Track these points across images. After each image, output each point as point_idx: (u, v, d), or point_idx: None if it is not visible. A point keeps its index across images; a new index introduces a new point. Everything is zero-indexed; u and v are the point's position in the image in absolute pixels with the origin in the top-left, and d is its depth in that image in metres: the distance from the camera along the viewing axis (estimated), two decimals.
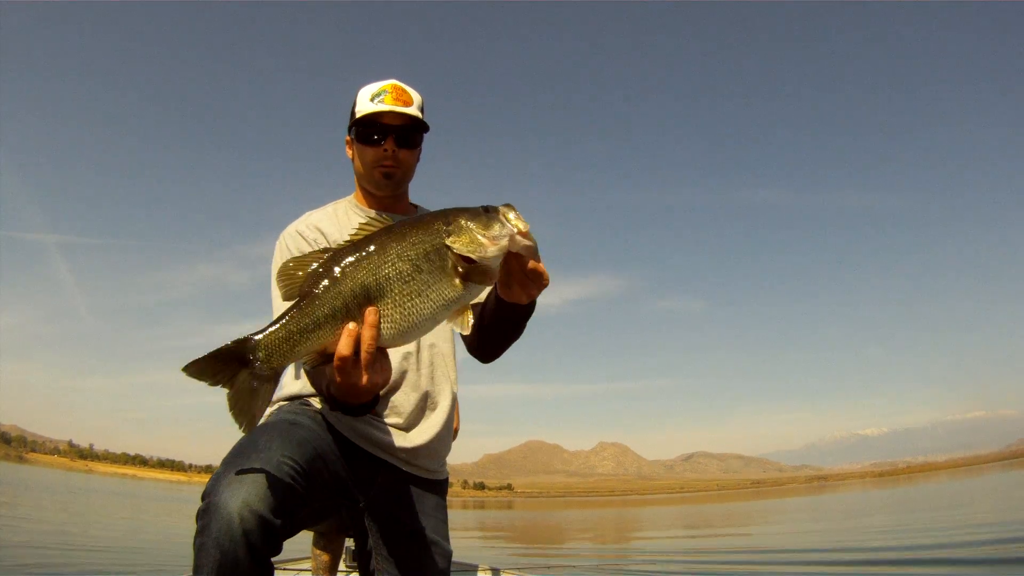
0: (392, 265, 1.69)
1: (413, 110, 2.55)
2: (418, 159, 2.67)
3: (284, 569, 5.14)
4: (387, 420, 2.48)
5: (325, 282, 1.69)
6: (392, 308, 1.69)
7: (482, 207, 1.74)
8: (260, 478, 1.86)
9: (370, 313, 1.67)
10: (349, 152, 2.67)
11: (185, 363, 1.62)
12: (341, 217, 2.62)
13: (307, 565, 5.11)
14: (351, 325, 1.67)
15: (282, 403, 2.53)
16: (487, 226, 1.70)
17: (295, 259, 1.74)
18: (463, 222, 1.71)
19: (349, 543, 4.25)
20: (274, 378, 1.72)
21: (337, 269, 1.69)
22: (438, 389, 2.58)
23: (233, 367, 1.67)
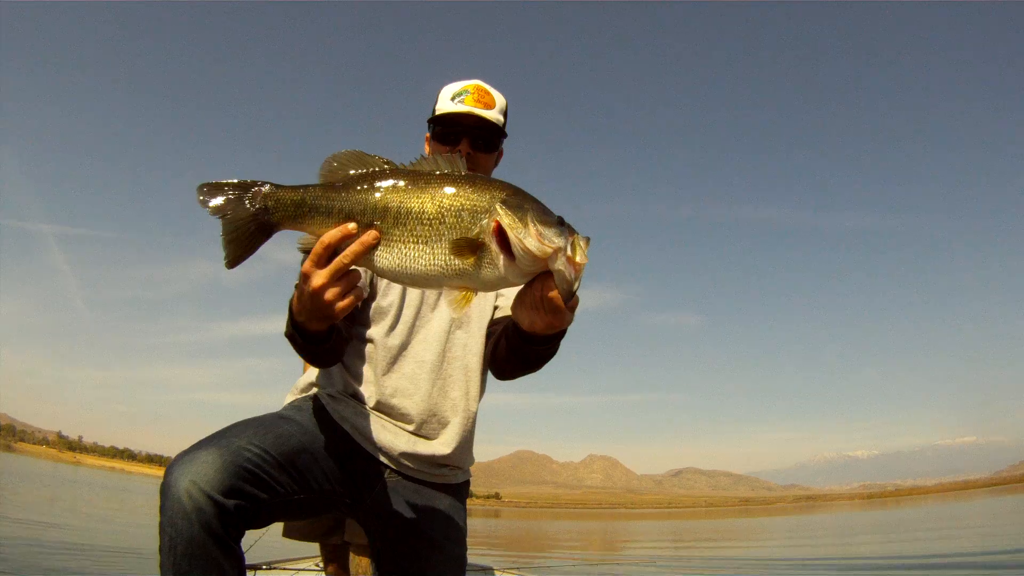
0: (420, 202, 1.66)
1: (493, 114, 2.48)
2: (496, 164, 2.60)
3: (284, 569, 5.11)
4: (396, 423, 2.41)
5: (357, 185, 1.69)
6: (395, 241, 1.66)
7: (559, 216, 1.68)
8: (213, 459, 1.86)
9: (369, 234, 1.65)
10: (427, 151, 2.55)
11: (205, 189, 1.69)
12: None
13: (305, 565, 5.22)
14: (351, 225, 1.66)
15: (294, 399, 2.51)
16: (547, 225, 1.62)
17: (348, 154, 1.74)
18: (528, 206, 1.64)
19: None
20: (269, 231, 1.72)
21: (375, 181, 1.69)
22: (451, 403, 2.46)
23: (241, 202, 1.69)
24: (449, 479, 2.51)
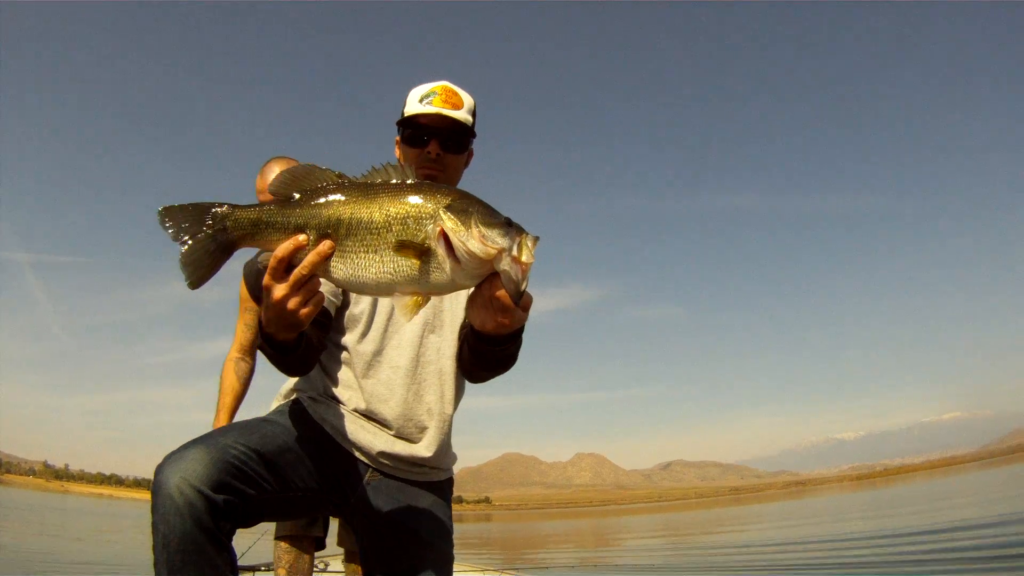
0: (369, 211, 1.71)
1: (462, 114, 2.47)
2: (466, 164, 2.60)
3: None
4: (376, 426, 2.43)
5: (310, 199, 1.74)
6: (348, 251, 1.71)
7: (507, 217, 1.71)
8: (201, 456, 1.91)
9: (324, 243, 1.69)
10: (397, 153, 2.58)
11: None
12: None
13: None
14: (302, 237, 1.70)
15: (278, 404, 2.54)
16: (491, 227, 1.66)
17: (301, 168, 1.79)
18: (472, 209, 1.69)
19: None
20: (229, 250, 1.77)
21: (327, 195, 1.75)
22: (426, 407, 2.47)
23: (200, 224, 1.74)
24: (431, 477, 2.52)
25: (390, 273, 1.70)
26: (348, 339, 2.45)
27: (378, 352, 2.44)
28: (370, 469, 2.40)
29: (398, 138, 2.55)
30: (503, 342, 2.04)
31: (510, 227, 1.68)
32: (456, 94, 2.49)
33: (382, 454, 2.38)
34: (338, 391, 2.43)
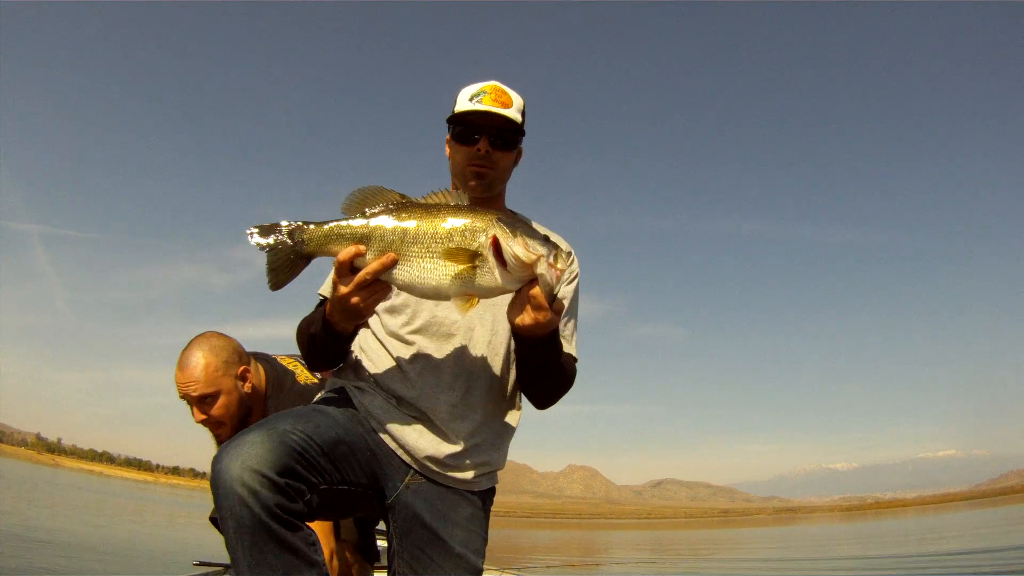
0: (432, 225, 2.04)
1: (511, 112, 2.50)
2: (516, 163, 2.63)
3: None
4: (421, 424, 2.40)
5: (376, 215, 2.08)
6: (411, 258, 2.03)
7: (546, 235, 2.03)
8: (262, 439, 1.93)
9: (388, 256, 2.00)
10: (447, 151, 2.62)
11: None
12: None
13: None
14: (361, 247, 2.04)
15: (327, 393, 2.54)
16: (533, 237, 1.97)
17: (370, 189, 2.13)
18: (518, 223, 2.02)
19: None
20: (307, 259, 2.12)
21: (393, 212, 2.08)
22: (474, 404, 2.44)
23: (284, 238, 2.09)
24: (473, 486, 2.47)
25: (448, 278, 2.02)
26: (400, 330, 2.47)
27: (429, 347, 2.45)
28: (412, 471, 2.38)
29: (448, 136, 2.59)
30: (539, 344, 2.18)
31: (548, 240, 1.97)
32: (505, 93, 2.53)
33: (428, 457, 2.36)
34: (386, 383, 2.43)
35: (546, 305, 1.99)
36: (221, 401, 3.32)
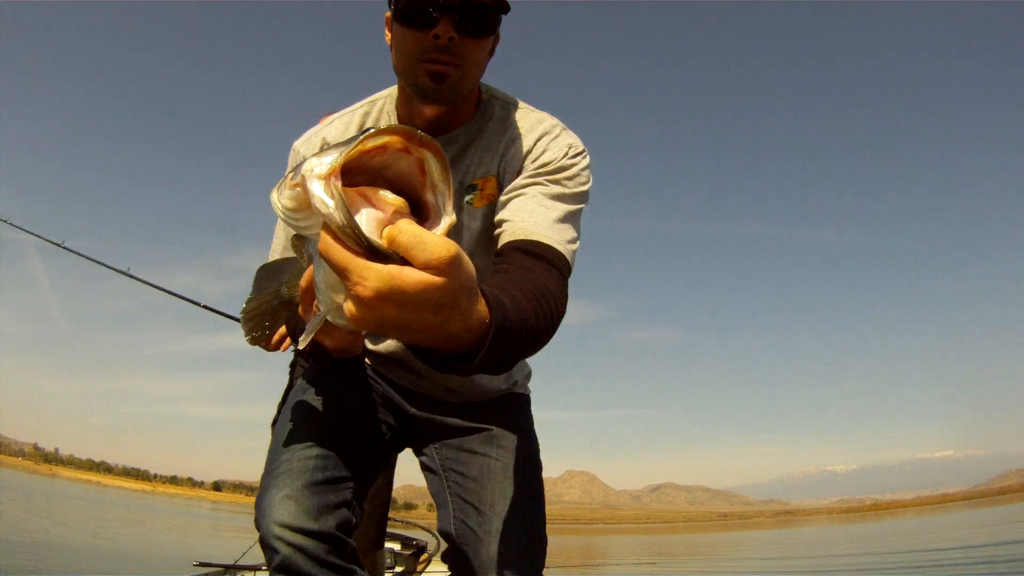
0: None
1: None
2: (490, 55, 1.78)
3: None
4: (403, 369, 2.09)
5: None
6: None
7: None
8: (287, 491, 1.66)
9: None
10: (389, 38, 1.77)
11: (241, 305, 1.76)
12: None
13: None
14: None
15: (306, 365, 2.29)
16: (297, 164, 0.98)
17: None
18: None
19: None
20: (290, 305, 1.67)
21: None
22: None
23: (276, 283, 1.69)
24: (501, 392, 2.13)
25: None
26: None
27: None
28: (436, 405, 2.09)
29: (389, 14, 1.71)
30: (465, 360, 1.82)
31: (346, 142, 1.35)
32: None
33: (423, 398, 2.09)
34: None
35: (341, 260, 0.88)
36: None
